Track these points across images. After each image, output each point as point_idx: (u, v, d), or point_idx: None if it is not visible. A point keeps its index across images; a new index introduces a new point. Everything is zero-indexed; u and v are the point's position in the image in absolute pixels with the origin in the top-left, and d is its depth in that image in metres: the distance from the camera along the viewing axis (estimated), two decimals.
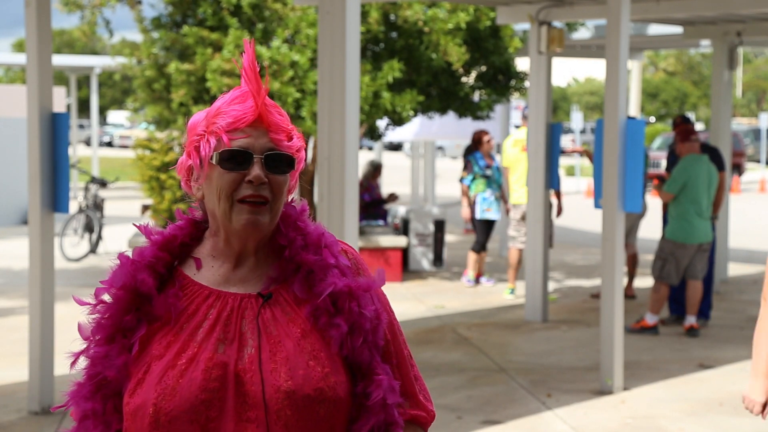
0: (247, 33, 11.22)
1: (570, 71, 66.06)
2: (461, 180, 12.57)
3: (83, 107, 49.01)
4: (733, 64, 13.20)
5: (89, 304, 2.03)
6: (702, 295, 10.27)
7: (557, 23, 10.90)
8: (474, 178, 12.43)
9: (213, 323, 1.99)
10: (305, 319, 2.01)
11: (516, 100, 26.17)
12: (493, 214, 12.44)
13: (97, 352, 2.00)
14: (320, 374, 1.96)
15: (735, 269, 14.01)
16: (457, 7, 11.48)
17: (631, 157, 7.89)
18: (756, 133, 40.20)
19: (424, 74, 11.67)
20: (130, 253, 2.06)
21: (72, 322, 2.13)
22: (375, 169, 14.61)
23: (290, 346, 1.97)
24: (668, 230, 10.07)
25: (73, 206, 17.76)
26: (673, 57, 62.10)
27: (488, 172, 12.42)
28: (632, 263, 11.74)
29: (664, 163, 18.47)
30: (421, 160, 21.31)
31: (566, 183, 28.73)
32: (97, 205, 15.30)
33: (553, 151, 10.65)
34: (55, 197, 7.32)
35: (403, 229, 13.82)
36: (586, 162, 36.65)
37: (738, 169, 30.48)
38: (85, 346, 2.03)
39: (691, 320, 10.07)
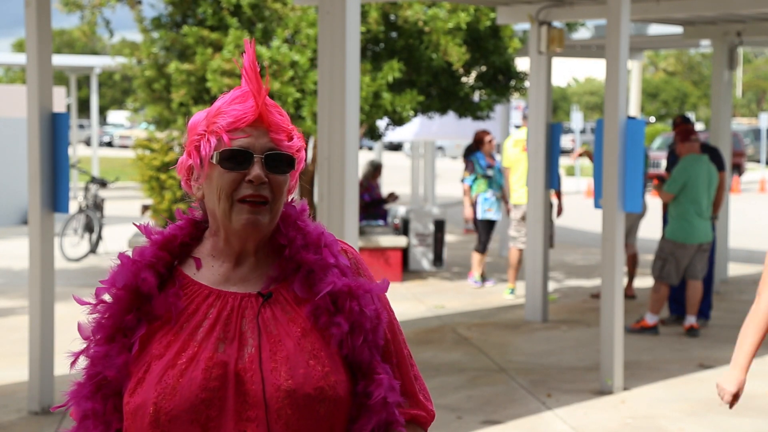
0: (247, 33, 11.22)
1: (570, 71, 66.06)
2: (463, 180, 12.57)
3: (83, 107, 49.01)
4: (733, 64, 13.20)
5: (90, 303, 2.03)
6: (702, 295, 10.27)
7: (557, 23, 10.90)
8: (476, 179, 12.43)
9: (213, 322, 1.99)
10: (305, 319, 2.01)
11: (516, 100, 26.16)
12: (494, 214, 12.44)
13: (97, 351, 2.01)
14: (320, 373, 1.96)
15: (735, 269, 14.01)
16: (458, 7, 11.49)
17: (631, 157, 7.89)
18: (756, 133, 40.20)
19: (424, 74, 11.67)
20: (130, 253, 2.06)
21: (72, 322, 2.13)
22: (375, 169, 14.61)
23: (290, 346, 1.97)
24: (668, 230, 10.07)
25: (73, 206, 17.76)
26: (673, 57, 62.10)
27: (489, 172, 12.42)
28: (632, 263, 11.74)
29: (664, 163, 18.47)
30: (421, 160, 21.31)
31: (566, 183, 28.73)
32: (97, 205, 15.30)
33: (553, 151, 10.64)
34: (55, 197, 7.32)
35: (403, 229, 13.82)
36: (586, 162, 36.65)
37: (738, 169, 30.48)
38: (85, 345, 2.03)
39: (691, 320, 10.07)
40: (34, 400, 7.24)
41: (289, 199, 2.09)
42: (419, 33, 11.52)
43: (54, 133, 7.30)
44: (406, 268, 13.70)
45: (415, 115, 12.22)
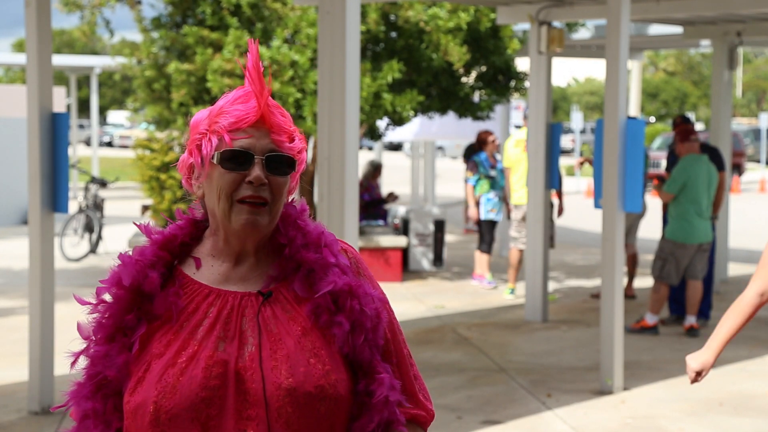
0: (247, 33, 11.22)
1: (570, 71, 66.05)
2: (466, 180, 12.55)
3: (83, 107, 49.01)
4: (733, 64, 13.20)
5: (90, 303, 2.03)
6: (702, 295, 10.27)
7: (557, 23, 10.90)
8: (479, 179, 12.42)
9: (213, 321, 2.00)
10: (306, 318, 2.01)
11: (516, 101, 26.16)
12: (497, 215, 12.45)
13: (98, 351, 2.01)
14: (321, 372, 1.96)
15: (735, 269, 14.01)
16: (458, 7, 11.49)
17: (631, 157, 7.89)
18: (756, 133, 40.19)
19: (424, 74, 11.67)
20: (130, 253, 2.06)
21: (72, 322, 2.13)
22: (375, 169, 14.61)
23: (291, 344, 1.97)
24: (668, 230, 10.07)
25: (73, 206, 17.76)
26: (673, 57, 62.09)
27: (492, 172, 12.42)
28: (632, 263, 11.74)
29: (664, 163, 18.47)
30: (421, 160, 21.31)
31: (566, 183, 28.72)
32: (97, 205, 15.30)
33: (553, 151, 10.65)
34: (54, 197, 7.31)
35: (403, 229, 13.82)
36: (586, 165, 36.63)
37: (738, 169, 30.48)
38: (85, 345, 2.03)
39: (691, 320, 10.07)
40: (34, 400, 7.24)
41: (290, 199, 2.09)
42: (419, 33, 11.52)
43: (54, 133, 7.30)
44: (406, 268, 13.70)
45: (415, 115, 12.22)
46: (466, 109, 12.48)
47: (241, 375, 1.95)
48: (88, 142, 43.98)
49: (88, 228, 14.95)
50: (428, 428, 2.13)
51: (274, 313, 2.01)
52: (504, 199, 12.54)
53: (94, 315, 2.02)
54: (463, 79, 12.41)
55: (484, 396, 7.78)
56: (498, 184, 12.43)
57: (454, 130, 17.90)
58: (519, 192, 11.99)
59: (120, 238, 15.76)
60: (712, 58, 13.63)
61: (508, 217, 12.61)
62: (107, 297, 2.03)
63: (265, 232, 2.03)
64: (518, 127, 23.42)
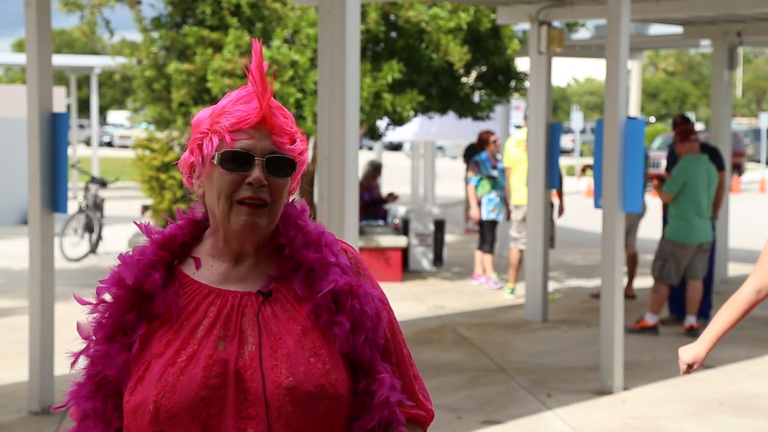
0: (247, 33, 11.22)
1: (570, 71, 66.05)
2: (469, 180, 12.54)
3: (83, 107, 49.01)
4: (733, 64, 13.20)
5: (90, 303, 2.03)
6: (702, 295, 10.27)
7: (557, 23, 10.90)
8: (480, 179, 12.41)
9: (213, 321, 2.00)
10: (306, 317, 2.01)
11: (516, 101, 26.17)
12: (498, 215, 12.45)
13: (98, 351, 2.01)
14: (321, 371, 1.96)
15: (735, 269, 14.01)
16: (458, 8, 11.49)
17: (631, 157, 7.89)
18: (756, 133, 40.19)
19: (424, 74, 11.67)
20: (131, 253, 2.06)
21: (72, 322, 2.13)
22: (375, 169, 14.61)
23: (291, 343, 1.97)
24: (668, 230, 10.07)
25: (73, 206, 17.76)
26: (673, 57, 62.08)
27: (494, 172, 12.41)
28: (632, 263, 11.74)
29: (664, 163, 18.47)
30: (421, 160, 21.31)
31: (566, 183, 28.71)
32: (97, 205, 15.30)
33: (553, 151, 10.64)
34: (54, 197, 7.31)
35: (403, 229, 13.82)
36: (586, 162, 36.66)
37: (738, 169, 30.48)
38: (85, 345, 2.03)
39: (691, 320, 10.07)
40: (34, 400, 7.24)
41: (290, 200, 2.09)
42: (419, 33, 11.52)
43: (54, 133, 7.30)
44: (406, 268, 13.70)
45: (415, 115, 12.22)
46: (466, 109, 12.47)
47: (241, 374, 1.95)
48: (88, 142, 43.98)
49: (88, 228, 14.95)
50: (428, 428, 2.13)
51: (274, 312, 2.01)
52: (504, 200, 12.54)
53: (94, 315, 2.03)
54: (463, 79, 12.41)
55: (484, 396, 7.78)
56: (499, 184, 12.42)
57: (454, 130, 17.90)
58: (519, 192, 11.99)
59: (120, 238, 15.77)
60: (712, 58, 13.63)
61: (507, 218, 12.60)
62: (107, 297, 2.03)
63: (264, 233, 2.03)
64: (518, 127, 23.42)
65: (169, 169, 13.85)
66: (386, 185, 22.72)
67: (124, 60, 12.95)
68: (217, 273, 2.05)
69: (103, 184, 15.73)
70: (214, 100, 10.79)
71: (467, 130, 17.44)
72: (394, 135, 17.22)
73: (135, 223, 2.22)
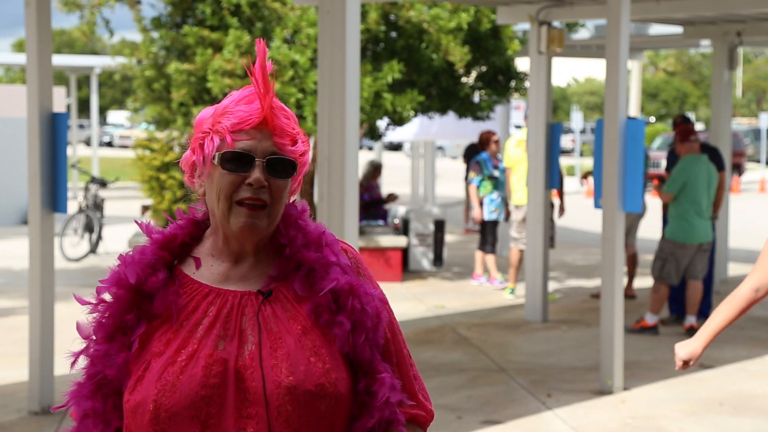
0: (247, 33, 11.22)
1: (570, 71, 66.05)
2: (471, 181, 12.52)
3: (83, 107, 49.01)
4: (733, 64, 13.20)
5: (90, 303, 2.03)
6: (702, 295, 10.27)
7: (557, 23, 10.90)
8: (482, 179, 12.41)
9: (213, 320, 2.00)
10: (306, 317, 2.01)
11: (516, 101, 26.17)
12: (499, 215, 12.45)
13: (97, 350, 2.01)
14: (321, 370, 1.96)
15: (735, 269, 14.01)
16: (459, 8, 11.49)
17: (631, 157, 7.89)
18: (756, 133, 40.19)
19: (424, 74, 11.66)
20: (131, 253, 2.06)
21: (72, 322, 2.13)
22: (375, 169, 14.61)
23: (291, 343, 1.97)
24: (668, 230, 10.07)
25: (73, 206, 17.76)
26: (673, 57, 62.08)
27: (496, 173, 12.41)
28: (632, 263, 11.74)
29: (664, 163, 18.47)
30: (421, 160, 21.31)
31: (566, 183, 28.71)
32: (97, 205, 15.30)
33: (553, 151, 10.64)
34: (54, 197, 7.31)
35: (403, 229, 13.82)
36: (586, 162, 36.64)
37: (738, 169, 30.47)
38: (84, 345, 2.03)
39: (691, 320, 10.07)
40: (34, 400, 7.24)
41: (291, 200, 2.09)
42: (419, 33, 11.52)
43: (54, 133, 7.30)
44: (406, 268, 13.70)
45: (416, 115, 12.22)
46: (466, 109, 12.47)
47: (241, 373, 1.95)
48: (88, 142, 43.97)
49: (88, 228, 14.94)
50: (428, 428, 2.13)
51: (274, 312, 2.01)
52: (505, 200, 12.53)
53: (94, 314, 2.03)
54: (463, 79, 12.40)
55: (484, 396, 7.78)
56: (501, 184, 12.42)
57: (454, 130, 17.90)
58: (519, 192, 11.98)
59: (120, 238, 15.77)
60: (712, 58, 13.62)
61: (506, 219, 12.60)
62: (107, 296, 2.03)
63: (263, 234, 2.03)
64: (518, 127, 23.42)
65: (169, 169, 13.85)
66: (386, 185, 22.71)
67: (124, 60, 12.95)
68: (217, 273, 2.05)
69: (103, 184, 15.73)
70: (214, 100, 10.81)
71: (467, 130, 17.43)
72: (394, 135, 17.22)
73: (136, 222, 2.22)
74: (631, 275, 11.87)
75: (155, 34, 12.28)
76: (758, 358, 9.18)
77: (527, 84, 11.91)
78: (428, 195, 20.88)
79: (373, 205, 14.09)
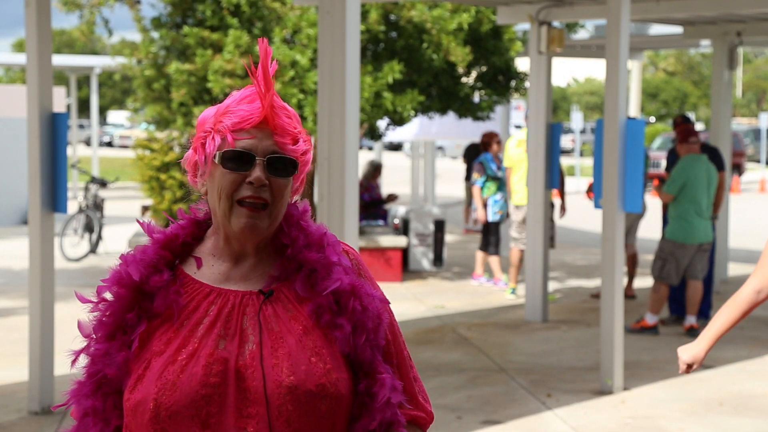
0: (247, 33, 11.22)
1: (570, 71, 66.05)
2: (474, 182, 12.50)
3: (83, 107, 49.02)
4: (733, 64, 13.20)
5: (92, 302, 2.03)
6: (702, 295, 10.27)
7: (557, 23, 10.90)
8: (486, 180, 12.39)
9: (214, 320, 2.00)
10: (307, 317, 2.01)
11: (516, 101, 26.16)
12: (502, 216, 12.45)
13: (98, 349, 2.01)
14: (322, 370, 1.96)
15: (735, 269, 14.02)
16: (459, 8, 11.49)
17: (631, 157, 7.89)
18: (756, 133, 40.19)
19: (424, 74, 11.66)
20: (133, 253, 2.06)
21: (72, 322, 2.14)
22: (375, 169, 14.61)
23: (292, 343, 1.97)
24: (668, 230, 10.07)
25: (73, 206, 17.76)
26: (673, 57, 62.08)
27: (499, 173, 12.40)
28: (632, 263, 11.74)
29: (664, 163, 18.47)
30: (421, 160, 21.31)
31: (566, 183, 28.70)
32: (97, 205, 15.30)
33: (553, 151, 10.65)
34: (54, 197, 7.31)
35: (403, 229, 13.82)
36: (586, 162, 36.64)
37: (738, 169, 30.47)
38: (85, 344, 2.03)
39: (691, 320, 10.07)
40: (34, 400, 7.24)
41: (294, 200, 2.09)
42: (420, 33, 11.52)
43: (54, 133, 7.30)
44: (406, 268, 13.70)
45: (416, 115, 12.21)
46: (467, 109, 12.47)
47: (242, 373, 1.95)
48: (88, 142, 43.97)
49: (88, 228, 14.94)
50: (427, 429, 2.13)
51: (275, 311, 2.01)
52: (506, 200, 12.53)
53: (95, 313, 2.03)
54: (464, 80, 12.40)
55: (484, 396, 7.78)
56: (504, 185, 12.40)
57: (454, 130, 17.90)
58: (520, 192, 11.97)
59: (120, 238, 15.77)
60: (712, 58, 13.63)
61: (506, 218, 12.59)
62: (108, 295, 2.03)
63: (264, 234, 2.03)
64: (518, 127, 23.42)
65: (169, 169, 13.84)
66: (386, 185, 22.72)
67: (124, 60, 12.95)
68: (218, 272, 2.06)
69: (103, 184, 15.73)
70: (214, 101, 10.81)
71: (467, 130, 17.43)
72: (394, 135, 17.22)
73: (138, 221, 2.22)
74: (631, 275, 11.87)
75: (155, 34, 12.28)
76: (758, 358, 9.18)
77: (527, 84, 11.91)
78: (428, 195, 20.88)
79: (373, 205, 14.09)
